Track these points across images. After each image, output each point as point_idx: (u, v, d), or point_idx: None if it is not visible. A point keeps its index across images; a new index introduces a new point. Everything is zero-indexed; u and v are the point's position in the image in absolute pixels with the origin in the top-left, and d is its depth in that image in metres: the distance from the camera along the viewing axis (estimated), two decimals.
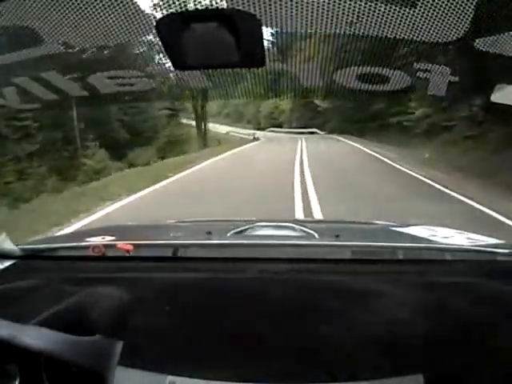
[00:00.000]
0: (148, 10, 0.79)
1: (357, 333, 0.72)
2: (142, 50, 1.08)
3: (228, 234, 1.25)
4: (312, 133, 33.16)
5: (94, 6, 0.77)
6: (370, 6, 0.77)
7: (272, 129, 39.09)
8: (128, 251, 1.03)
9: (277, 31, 0.88)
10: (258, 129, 40.60)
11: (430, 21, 0.79)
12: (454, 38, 0.84)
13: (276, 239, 1.25)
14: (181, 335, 0.72)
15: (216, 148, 20.96)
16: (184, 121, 29.38)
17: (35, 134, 14.47)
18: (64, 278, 0.95)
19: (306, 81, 1.11)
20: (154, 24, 0.76)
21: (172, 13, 0.74)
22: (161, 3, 0.77)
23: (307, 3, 0.76)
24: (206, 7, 0.75)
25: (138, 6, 0.78)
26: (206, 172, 11.64)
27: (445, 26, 0.80)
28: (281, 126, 39.43)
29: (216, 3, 0.81)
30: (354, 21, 0.80)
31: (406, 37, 0.86)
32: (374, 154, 14.89)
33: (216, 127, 37.07)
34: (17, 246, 1.09)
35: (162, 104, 20.33)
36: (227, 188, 7.34)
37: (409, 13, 0.78)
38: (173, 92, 1.41)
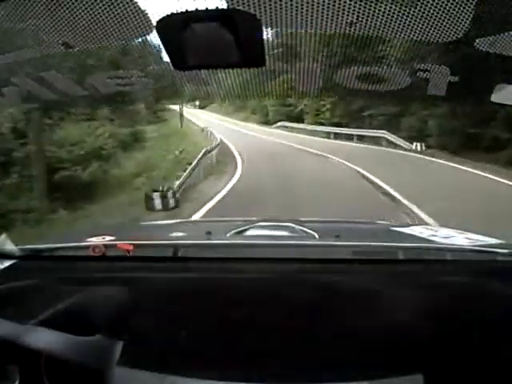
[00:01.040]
0: (148, 10, 0.79)
1: (357, 332, 0.72)
2: (142, 50, 1.08)
3: (228, 234, 1.25)
4: (377, 140, 15.54)
5: (94, 6, 0.77)
6: (370, 6, 0.77)
7: (285, 123, 23.89)
8: (128, 251, 1.03)
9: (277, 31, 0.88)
10: (266, 123, 27.36)
11: (430, 21, 0.79)
12: (454, 38, 0.83)
13: (276, 239, 1.25)
14: (181, 335, 0.72)
15: None
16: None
17: None
18: (64, 278, 0.95)
19: (305, 80, 1.11)
20: (154, 24, 0.76)
21: (172, 13, 0.74)
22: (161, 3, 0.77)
23: (307, 3, 0.76)
24: (206, 7, 0.75)
25: (138, 6, 0.77)
26: None
27: (445, 26, 0.80)
28: (301, 120, 23.06)
29: (216, 3, 0.81)
30: (354, 21, 0.80)
31: (406, 37, 0.86)
32: None
33: (202, 118, 28.24)
34: (17, 246, 1.09)
35: None
36: None
37: (409, 13, 0.78)
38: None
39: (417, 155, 13.48)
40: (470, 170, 10.48)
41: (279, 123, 24.96)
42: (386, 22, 0.80)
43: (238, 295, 0.87)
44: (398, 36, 0.86)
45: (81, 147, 11.09)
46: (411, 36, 0.85)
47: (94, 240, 1.13)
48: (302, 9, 0.77)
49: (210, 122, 25.14)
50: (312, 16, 0.79)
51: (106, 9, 0.77)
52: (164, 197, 7.25)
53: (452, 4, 0.75)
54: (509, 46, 0.88)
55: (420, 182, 8.25)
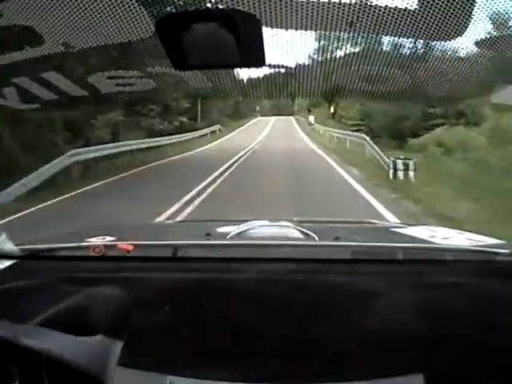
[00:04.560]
0: (148, 10, 0.79)
1: (357, 333, 0.72)
2: (142, 50, 1.08)
3: (228, 235, 1.25)
4: None
5: (94, 6, 0.77)
6: (370, 6, 0.77)
7: None
8: (128, 251, 1.03)
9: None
10: None
11: (430, 21, 0.79)
12: (454, 38, 0.84)
13: (276, 239, 1.25)
14: (181, 335, 0.72)
15: None
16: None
17: None
18: (64, 278, 0.94)
19: (306, 81, 1.11)
20: (154, 24, 0.76)
21: (172, 13, 0.74)
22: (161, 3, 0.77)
23: (307, 3, 0.76)
24: (206, 7, 0.75)
25: (138, 5, 0.78)
26: None
27: (445, 26, 0.80)
28: None
29: (216, 3, 0.81)
30: (354, 21, 0.80)
31: (406, 37, 0.86)
32: None
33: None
34: (17, 246, 1.08)
35: None
36: None
37: (409, 13, 0.78)
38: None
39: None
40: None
41: None
42: (386, 21, 0.81)
43: (237, 295, 0.86)
44: (397, 36, 0.86)
45: None
46: (411, 36, 0.85)
47: (94, 240, 1.13)
48: (301, 9, 0.77)
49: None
50: (312, 16, 0.79)
51: (106, 9, 0.77)
52: None
53: (452, 4, 0.75)
54: (509, 45, 0.89)
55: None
